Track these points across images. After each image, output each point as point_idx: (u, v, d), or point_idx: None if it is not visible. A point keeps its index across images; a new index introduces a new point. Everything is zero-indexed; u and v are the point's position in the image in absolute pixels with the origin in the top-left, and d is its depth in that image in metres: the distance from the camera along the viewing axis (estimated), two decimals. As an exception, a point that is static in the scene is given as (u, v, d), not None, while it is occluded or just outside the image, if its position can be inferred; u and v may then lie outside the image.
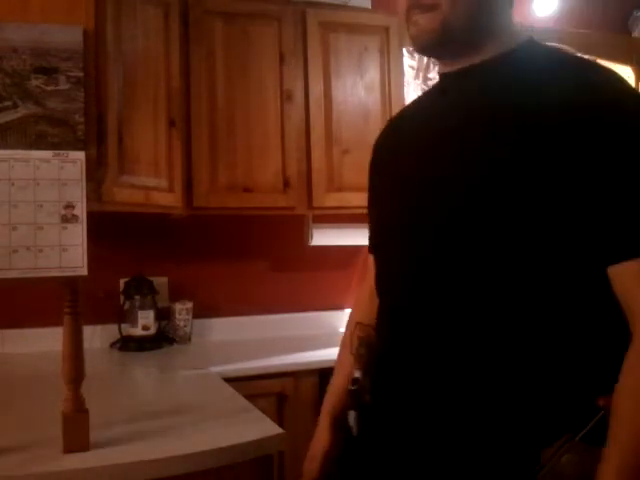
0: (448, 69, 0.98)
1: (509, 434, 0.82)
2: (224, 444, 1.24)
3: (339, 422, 1.14)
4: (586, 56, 0.92)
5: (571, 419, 0.80)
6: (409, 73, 2.92)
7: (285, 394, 2.08)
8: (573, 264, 0.82)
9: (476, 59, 0.93)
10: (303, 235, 2.69)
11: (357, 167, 2.47)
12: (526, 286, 0.83)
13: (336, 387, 1.19)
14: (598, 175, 0.79)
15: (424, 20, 0.91)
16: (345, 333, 1.21)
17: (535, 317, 0.83)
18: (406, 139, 1.03)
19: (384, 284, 1.03)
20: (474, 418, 0.84)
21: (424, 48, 0.95)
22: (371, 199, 1.11)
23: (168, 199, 2.17)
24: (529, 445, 0.80)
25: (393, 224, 0.99)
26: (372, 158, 1.13)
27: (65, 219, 1.14)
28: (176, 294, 2.53)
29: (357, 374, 1.05)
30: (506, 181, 0.82)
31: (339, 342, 1.23)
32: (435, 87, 1.04)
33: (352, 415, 1.04)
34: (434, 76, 2.99)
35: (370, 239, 1.12)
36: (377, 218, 1.09)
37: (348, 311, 2.72)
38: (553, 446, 0.79)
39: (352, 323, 1.16)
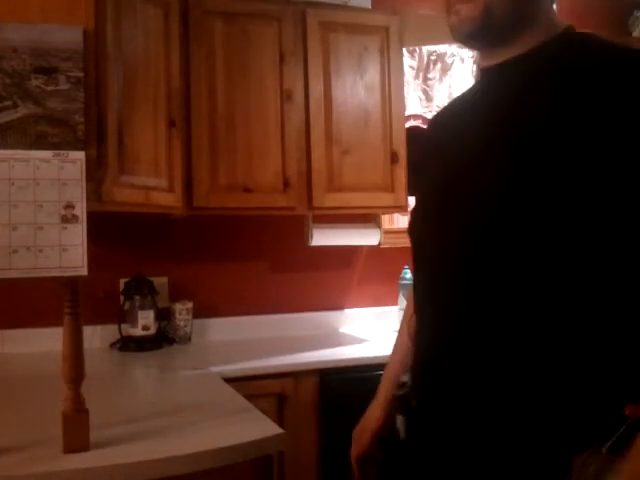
0: (488, 63, 0.96)
1: (545, 441, 0.82)
2: (224, 444, 1.24)
3: (393, 403, 1.15)
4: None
5: (603, 427, 0.78)
6: (409, 73, 2.92)
7: (285, 394, 2.08)
8: (611, 269, 0.80)
9: (516, 49, 0.92)
10: (303, 235, 2.68)
11: (357, 167, 2.47)
12: (563, 290, 0.82)
13: (391, 371, 1.21)
14: (633, 164, 0.77)
15: (466, 9, 0.91)
16: (401, 323, 1.23)
17: (574, 323, 0.82)
18: (447, 141, 1.01)
19: (428, 291, 1.00)
20: (511, 421, 0.84)
21: (464, 37, 0.94)
22: (415, 202, 1.09)
23: (168, 199, 2.17)
24: (563, 452, 0.79)
25: (435, 221, 0.97)
26: (415, 155, 1.11)
27: (65, 219, 1.14)
28: (176, 294, 2.53)
29: (404, 378, 1.05)
30: (546, 176, 0.81)
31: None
32: (476, 84, 1.02)
33: (400, 419, 1.04)
34: (434, 76, 2.99)
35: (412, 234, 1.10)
36: (419, 215, 1.07)
37: (348, 311, 2.77)
38: (583, 455, 0.78)
39: (408, 314, 1.17)
